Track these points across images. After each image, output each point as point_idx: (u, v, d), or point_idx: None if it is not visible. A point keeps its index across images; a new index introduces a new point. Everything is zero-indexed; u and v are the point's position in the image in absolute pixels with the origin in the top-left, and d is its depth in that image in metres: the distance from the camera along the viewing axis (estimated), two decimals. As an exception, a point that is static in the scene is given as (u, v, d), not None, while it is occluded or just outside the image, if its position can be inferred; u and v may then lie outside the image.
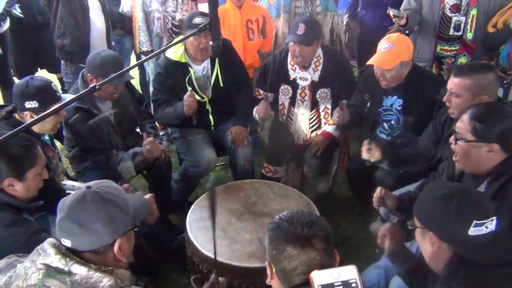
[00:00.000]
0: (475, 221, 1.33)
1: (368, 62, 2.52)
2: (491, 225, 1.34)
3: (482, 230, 1.34)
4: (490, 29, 2.85)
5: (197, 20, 2.58)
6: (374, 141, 2.43)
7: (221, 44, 1.58)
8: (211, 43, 1.60)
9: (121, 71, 1.55)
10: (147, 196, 1.87)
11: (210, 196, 1.72)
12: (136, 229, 1.40)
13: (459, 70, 2.10)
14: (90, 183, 1.34)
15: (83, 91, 1.41)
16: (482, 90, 2.00)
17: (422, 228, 1.44)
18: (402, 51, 2.46)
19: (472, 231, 1.34)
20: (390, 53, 2.45)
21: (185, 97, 2.69)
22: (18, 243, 1.53)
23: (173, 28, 3.40)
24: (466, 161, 1.79)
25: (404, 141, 2.65)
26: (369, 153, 2.40)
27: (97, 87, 1.30)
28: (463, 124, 1.76)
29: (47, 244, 1.27)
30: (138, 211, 1.42)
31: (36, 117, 2.02)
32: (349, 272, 1.07)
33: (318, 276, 1.07)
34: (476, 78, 2.01)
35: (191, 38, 2.66)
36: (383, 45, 2.50)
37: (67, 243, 1.26)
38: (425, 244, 1.45)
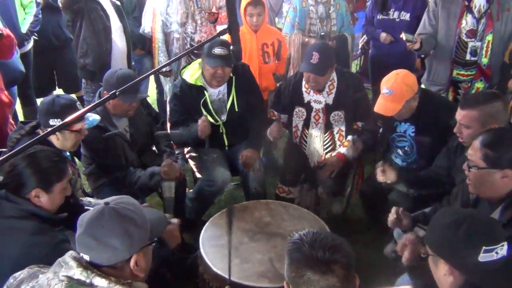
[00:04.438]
0: (484, 247, 1.32)
1: (374, 110, 2.53)
2: (501, 250, 1.33)
3: (493, 256, 1.32)
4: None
5: (217, 50, 2.62)
6: (387, 163, 2.44)
7: (241, 48, 1.59)
8: (231, 47, 1.61)
9: (134, 81, 1.58)
10: (174, 221, 1.87)
11: (228, 213, 1.72)
12: (153, 244, 1.42)
13: (465, 102, 2.11)
14: (108, 199, 1.37)
15: (102, 99, 1.44)
16: (491, 119, 2.00)
17: (434, 256, 1.43)
18: (403, 93, 2.44)
19: (482, 257, 1.32)
20: (392, 98, 2.45)
21: (200, 121, 2.74)
22: (43, 252, 1.57)
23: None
24: (480, 187, 1.78)
25: (419, 166, 2.65)
26: (384, 175, 2.40)
27: (117, 93, 1.34)
28: (474, 152, 1.75)
29: (68, 257, 1.30)
30: (156, 226, 1.44)
31: (58, 134, 2.11)
32: None
33: None
34: (483, 109, 2.01)
35: (207, 66, 2.71)
36: (384, 90, 2.48)
37: (86, 257, 1.29)
38: (437, 271, 1.43)
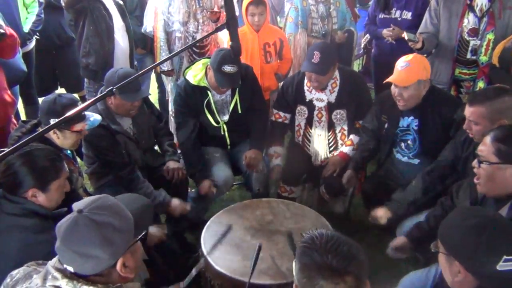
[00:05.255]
0: (505, 257, 1.29)
1: (386, 80, 2.53)
2: None
3: (511, 265, 1.30)
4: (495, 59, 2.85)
5: (227, 68, 2.62)
6: (371, 213, 2.49)
7: (240, 44, 1.58)
8: (230, 43, 1.61)
9: (133, 76, 1.57)
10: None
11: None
12: (142, 238, 1.36)
13: (473, 98, 2.09)
14: (81, 205, 1.27)
15: (99, 95, 1.42)
16: (500, 114, 1.98)
17: (447, 255, 1.41)
18: (419, 70, 2.47)
19: (501, 266, 1.29)
20: (408, 71, 2.46)
21: (202, 186, 2.77)
22: (45, 250, 1.54)
23: (194, 48, 3.49)
24: (489, 183, 1.75)
25: (421, 161, 2.64)
26: (377, 219, 2.44)
27: (114, 90, 1.33)
28: (486, 147, 1.73)
29: (52, 268, 1.26)
30: (140, 217, 1.38)
31: (58, 133, 2.11)
32: None
33: None
34: (491, 104, 1.99)
35: (214, 79, 2.72)
36: (400, 64, 2.50)
37: (70, 269, 1.24)
38: (450, 271, 1.41)
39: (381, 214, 2.42)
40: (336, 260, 1.13)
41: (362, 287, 1.16)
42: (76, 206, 1.28)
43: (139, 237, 1.35)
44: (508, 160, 1.68)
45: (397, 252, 2.23)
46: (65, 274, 1.24)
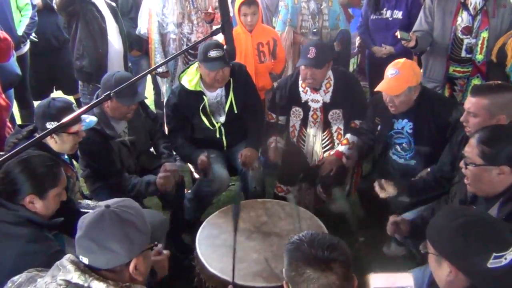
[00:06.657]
0: (494, 254, 1.29)
1: (376, 89, 2.53)
2: (510, 255, 1.30)
3: (501, 262, 1.30)
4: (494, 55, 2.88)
5: (212, 53, 2.62)
6: (383, 179, 2.42)
7: (234, 48, 1.60)
8: (225, 46, 1.62)
9: (130, 81, 1.58)
10: (165, 252, 1.86)
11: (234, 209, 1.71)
12: (155, 247, 1.42)
13: (477, 89, 2.10)
14: (110, 202, 1.36)
15: (97, 100, 1.43)
16: (500, 109, 2.00)
17: (437, 255, 1.40)
18: (409, 77, 2.46)
19: (491, 263, 1.30)
20: (397, 79, 2.45)
21: (199, 160, 2.74)
22: (38, 261, 1.55)
23: (189, 50, 3.49)
24: (477, 184, 1.77)
25: (417, 163, 2.65)
26: (383, 190, 2.39)
27: (111, 94, 1.34)
28: (471, 149, 1.76)
29: (66, 261, 1.30)
30: (157, 229, 1.46)
31: (56, 137, 2.10)
32: (406, 279, 1.10)
33: (375, 279, 1.13)
34: (494, 97, 2.00)
35: (207, 70, 2.71)
36: (390, 71, 2.49)
37: (85, 260, 1.29)
38: (440, 272, 1.40)
39: (390, 190, 2.37)
40: (320, 250, 1.20)
41: (348, 277, 1.20)
42: (103, 203, 1.35)
43: (153, 245, 1.42)
44: (492, 162, 1.70)
45: (393, 230, 2.16)
46: (78, 266, 1.28)
